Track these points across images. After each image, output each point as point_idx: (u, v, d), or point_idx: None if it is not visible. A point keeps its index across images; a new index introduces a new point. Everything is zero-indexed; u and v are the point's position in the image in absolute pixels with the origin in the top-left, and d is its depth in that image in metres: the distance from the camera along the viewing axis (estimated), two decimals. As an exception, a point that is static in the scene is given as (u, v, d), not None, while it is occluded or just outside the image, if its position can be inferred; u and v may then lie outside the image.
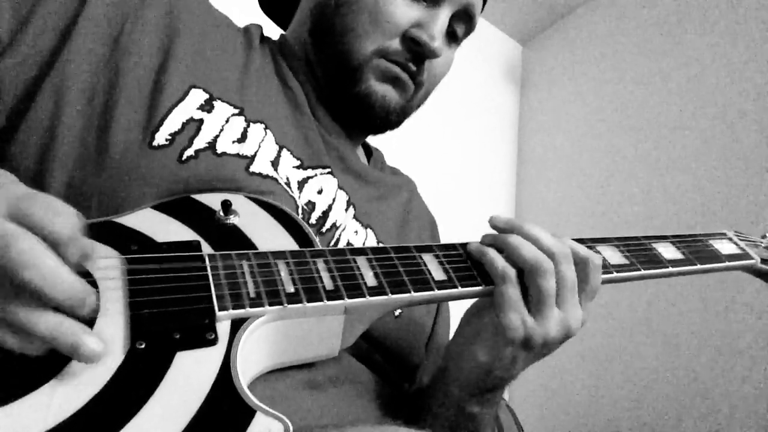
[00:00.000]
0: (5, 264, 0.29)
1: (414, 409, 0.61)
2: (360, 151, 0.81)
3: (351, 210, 0.65)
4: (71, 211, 0.33)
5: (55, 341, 0.30)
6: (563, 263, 0.50)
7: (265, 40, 0.71)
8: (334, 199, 0.62)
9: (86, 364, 0.32)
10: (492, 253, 0.51)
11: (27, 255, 0.29)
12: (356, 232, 0.64)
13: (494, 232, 0.54)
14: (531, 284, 0.49)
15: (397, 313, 0.62)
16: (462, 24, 0.71)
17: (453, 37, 0.72)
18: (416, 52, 0.66)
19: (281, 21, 0.85)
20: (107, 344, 0.33)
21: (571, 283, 0.50)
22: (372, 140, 0.83)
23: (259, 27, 0.72)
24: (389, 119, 0.70)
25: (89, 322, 0.36)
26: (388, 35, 0.65)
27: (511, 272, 0.49)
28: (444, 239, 0.83)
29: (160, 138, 0.50)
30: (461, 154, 2.31)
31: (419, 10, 0.66)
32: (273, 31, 0.78)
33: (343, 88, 0.67)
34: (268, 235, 0.49)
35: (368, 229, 0.66)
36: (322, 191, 0.61)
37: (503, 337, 0.50)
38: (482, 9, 0.74)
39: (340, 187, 0.64)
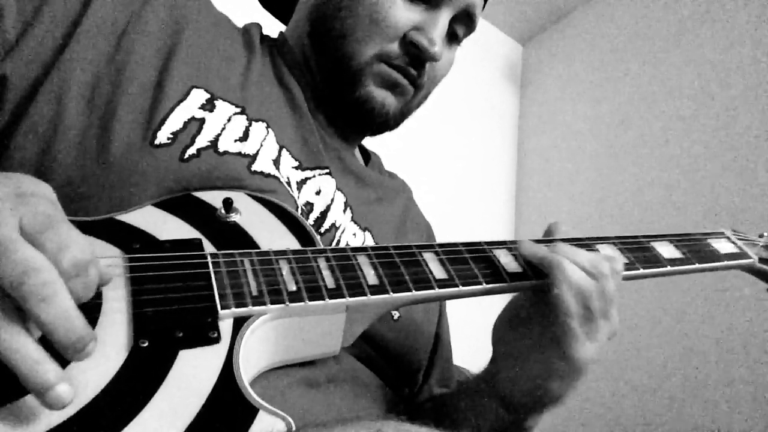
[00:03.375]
0: (21, 291, 0.28)
1: (424, 414, 0.61)
2: (357, 154, 0.81)
3: (348, 212, 0.65)
4: (84, 245, 0.32)
5: (28, 378, 0.28)
6: (603, 280, 0.50)
7: (264, 39, 0.71)
8: (332, 200, 0.62)
9: (48, 407, 0.29)
10: (568, 264, 0.50)
11: (48, 290, 0.28)
12: (355, 234, 0.64)
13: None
14: (577, 304, 0.50)
15: (396, 316, 0.62)
16: (462, 25, 0.71)
17: (453, 38, 0.72)
18: (416, 55, 0.65)
19: (281, 16, 0.84)
20: (77, 391, 0.31)
21: (612, 295, 0.51)
22: (371, 138, 0.83)
23: (259, 26, 0.72)
24: (388, 123, 0.70)
25: (92, 321, 0.36)
26: (387, 39, 0.64)
27: (593, 286, 0.50)
28: (443, 239, 0.83)
29: (162, 137, 0.50)
30: (461, 153, 2.31)
31: (419, 12, 0.65)
32: (272, 29, 0.78)
33: (342, 92, 0.67)
34: (269, 234, 0.49)
35: (366, 232, 0.66)
36: (321, 192, 0.62)
37: (571, 369, 0.51)
38: (483, 8, 0.74)
39: (338, 189, 0.64)
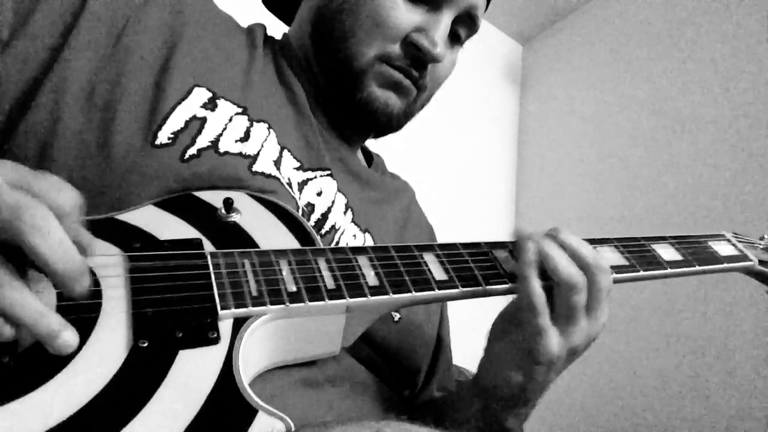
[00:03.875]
0: (17, 227, 0.29)
1: (424, 415, 0.61)
2: (360, 156, 0.81)
3: (349, 213, 0.65)
4: (72, 188, 0.34)
5: (35, 327, 0.30)
6: (600, 274, 0.50)
7: (268, 40, 0.71)
8: (333, 202, 0.62)
9: (59, 354, 0.32)
10: (534, 282, 0.49)
11: (40, 221, 0.30)
12: (354, 236, 0.64)
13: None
14: (562, 299, 0.49)
15: (396, 317, 0.62)
16: (464, 27, 0.70)
17: (456, 39, 0.71)
18: (418, 57, 0.65)
19: (285, 16, 0.84)
20: (97, 341, 0.34)
21: (606, 293, 0.50)
22: (372, 139, 0.83)
23: (263, 27, 0.72)
24: (391, 124, 0.70)
25: (92, 320, 0.36)
26: (389, 40, 0.64)
27: (543, 304, 0.49)
28: (443, 239, 0.83)
29: (163, 136, 0.50)
30: (461, 154, 2.31)
31: (421, 14, 0.65)
32: (277, 31, 0.78)
33: (345, 94, 0.67)
34: (269, 234, 0.49)
35: (366, 233, 0.66)
36: (322, 193, 0.61)
37: (535, 359, 0.50)
38: (485, 10, 0.74)
39: (339, 190, 0.64)
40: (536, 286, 0.49)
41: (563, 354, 0.50)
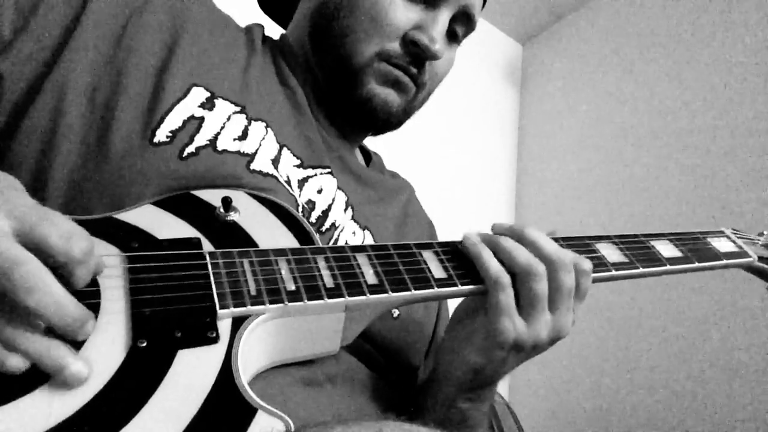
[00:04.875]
0: (8, 284, 0.29)
1: (413, 408, 0.61)
2: (358, 154, 0.81)
3: (349, 211, 0.65)
4: (86, 234, 0.33)
5: (41, 361, 0.31)
6: (561, 270, 0.50)
7: (266, 40, 0.71)
8: (333, 199, 0.62)
9: (68, 387, 0.32)
10: (486, 256, 0.50)
11: (32, 280, 0.30)
12: (354, 233, 0.64)
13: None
14: (522, 288, 0.50)
15: (396, 314, 0.62)
16: (462, 24, 0.71)
17: (453, 37, 0.72)
18: (417, 54, 0.65)
19: (280, 19, 0.85)
20: (93, 366, 0.33)
21: (567, 290, 0.50)
22: (372, 139, 0.83)
23: (261, 27, 0.72)
24: (390, 121, 0.70)
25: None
26: (388, 38, 0.65)
27: (504, 277, 0.49)
28: (443, 239, 0.83)
29: (161, 135, 0.50)
30: (461, 154, 2.31)
31: (419, 12, 0.66)
32: (274, 31, 0.79)
33: (344, 92, 0.67)
34: (268, 233, 0.49)
35: (366, 231, 0.66)
36: (322, 191, 0.62)
37: (494, 340, 0.50)
38: (482, 8, 0.74)
39: (339, 188, 0.64)
40: (492, 262, 0.50)
41: (528, 342, 0.50)
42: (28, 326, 0.31)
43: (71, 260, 0.32)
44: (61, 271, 0.32)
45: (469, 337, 0.53)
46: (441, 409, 0.56)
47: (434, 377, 0.58)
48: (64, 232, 0.32)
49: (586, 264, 0.52)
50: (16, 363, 0.31)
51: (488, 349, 0.51)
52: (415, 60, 0.66)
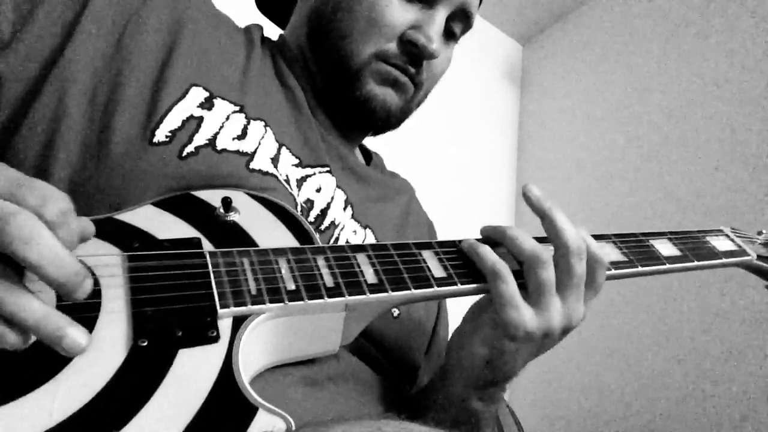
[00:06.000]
0: (3, 238, 0.28)
1: (416, 408, 0.61)
2: (358, 154, 0.81)
3: (349, 209, 0.65)
4: (64, 196, 0.32)
5: (39, 330, 0.29)
6: (574, 257, 0.49)
7: (265, 40, 0.72)
8: (332, 198, 0.63)
9: (69, 355, 0.31)
10: (482, 250, 0.50)
11: (27, 231, 0.29)
12: (355, 231, 0.64)
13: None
14: (529, 275, 0.49)
15: (396, 313, 0.62)
16: (459, 23, 0.71)
17: (451, 36, 0.72)
18: (414, 54, 0.66)
19: (278, 20, 0.85)
20: (97, 340, 0.33)
21: (578, 277, 0.50)
22: (372, 139, 0.83)
23: (260, 27, 0.73)
24: (390, 121, 0.71)
25: (92, 320, 0.36)
26: (385, 38, 0.65)
27: (503, 268, 0.49)
28: (443, 238, 0.83)
29: (160, 135, 0.50)
30: (461, 154, 2.31)
31: (415, 11, 0.66)
32: (273, 31, 0.79)
33: (343, 92, 0.67)
34: (268, 232, 0.49)
35: (367, 230, 0.66)
36: (321, 189, 0.62)
37: (502, 332, 0.49)
38: (479, 5, 0.74)
39: (338, 186, 0.64)
40: (490, 254, 0.50)
41: (537, 332, 0.49)
42: (24, 294, 0.29)
43: (49, 222, 0.30)
44: None
45: (475, 330, 0.53)
46: (451, 409, 0.56)
47: (444, 376, 0.57)
48: (39, 194, 0.31)
49: (605, 258, 0.52)
50: (14, 340, 0.29)
51: (495, 339, 0.50)
52: (413, 59, 0.67)
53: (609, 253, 0.58)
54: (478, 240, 0.54)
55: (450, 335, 0.58)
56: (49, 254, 0.29)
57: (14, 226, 0.28)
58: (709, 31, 1.79)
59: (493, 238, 0.54)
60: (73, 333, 0.30)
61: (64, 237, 0.31)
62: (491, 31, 2.54)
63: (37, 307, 0.29)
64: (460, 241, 0.54)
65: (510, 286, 0.49)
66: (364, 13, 0.64)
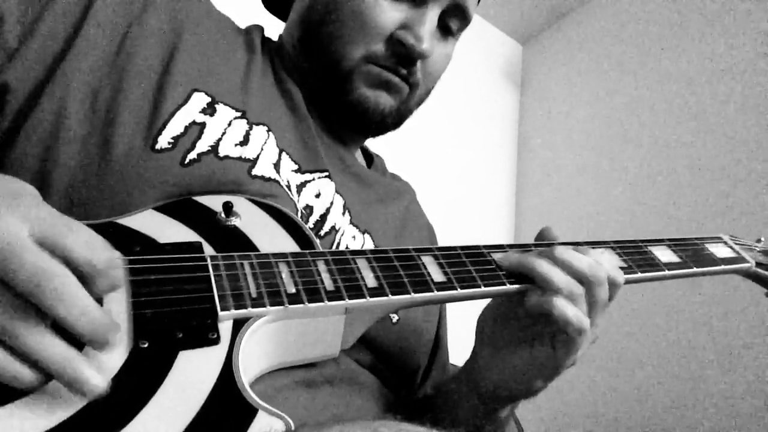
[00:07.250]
0: (38, 295, 0.29)
1: (420, 414, 0.62)
2: (359, 156, 0.81)
3: (347, 214, 0.65)
4: (104, 243, 0.33)
5: (60, 374, 0.30)
6: (596, 286, 0.50)
7: (265, 42, 0.71)
8: (331, 203, 0.62)
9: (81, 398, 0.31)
10: (547, 267, 0.49)
11: (62, 293, 0.29)
12: (354, 237, 0.64)
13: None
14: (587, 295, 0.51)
15: (395, 319, 0.62)
16: (455, 18, 0.69)
17: (448, 32, 0.70)
18: (404, 54, 0.64)
19: (283, 15, 0.84)
20: (107, 374, 0.33)
21: (602, 304, 0.51)
22: (373, 140, 0.83)
23: (261, 29, 0.72)
24: (385, 122, 0.70)
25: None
26: (374, 40, 0.64)
27: (579, 289, 0.49)
28: (443, 240, 0.83)
29: (163, 141, 0.50)
30: (461, 154, 2.31)
31: (405, 10, 0.64)
32: (275, 31, 0.79)
33: (336, 96, 0.67)
34: (268, 237, 0.49)
35: (366, 234, 0.66)
36: (320, 195, 0.62)
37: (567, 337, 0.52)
38: (478, 1, 0.73)
39: (337, 191, 0.64)
40: (560, 275, 0.49)
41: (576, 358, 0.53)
42: (46, 337, 0.30)
43: (94, 271, 0.31)
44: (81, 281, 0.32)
45: (512, 344, 0.55)
46: (477, 420, 0.58)
47: (471, 388, 0.59)
48: (87, 242, 0.31)
49: (620, 278, 0.53)
50: (30, 378, 0.30)
51: (545, 375, 0.54)
52: (404, 60, 0.65)
53: (609, 259, 0.58)
54: (525, 251, 0.54)
55: (475, 357, 0.59)
56: (81, 317, 0.30)
57: (50, 287, 0.29)
58: (710, 30, 1.79)
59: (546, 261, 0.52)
60: (94, 380, 0.30)
61: (104, 287, 0.32)
62: (491, 30, 2.54)
63: (60, 351, 0.30)
64: (465, 247, 0.54)
65: (582, 304, 0.50)
66: (351, 16, 0.64)
